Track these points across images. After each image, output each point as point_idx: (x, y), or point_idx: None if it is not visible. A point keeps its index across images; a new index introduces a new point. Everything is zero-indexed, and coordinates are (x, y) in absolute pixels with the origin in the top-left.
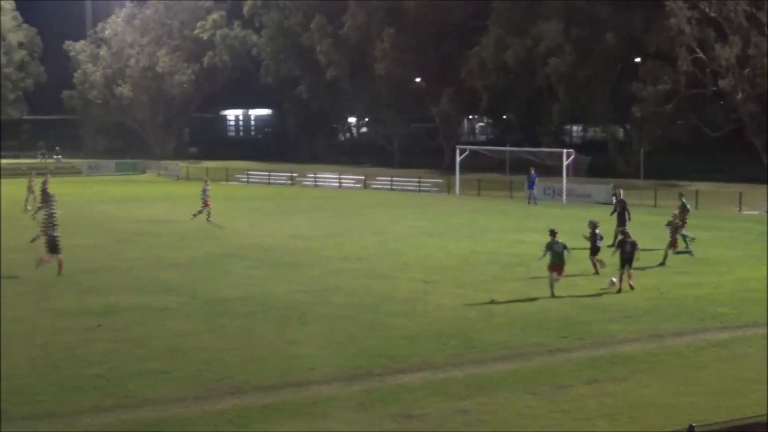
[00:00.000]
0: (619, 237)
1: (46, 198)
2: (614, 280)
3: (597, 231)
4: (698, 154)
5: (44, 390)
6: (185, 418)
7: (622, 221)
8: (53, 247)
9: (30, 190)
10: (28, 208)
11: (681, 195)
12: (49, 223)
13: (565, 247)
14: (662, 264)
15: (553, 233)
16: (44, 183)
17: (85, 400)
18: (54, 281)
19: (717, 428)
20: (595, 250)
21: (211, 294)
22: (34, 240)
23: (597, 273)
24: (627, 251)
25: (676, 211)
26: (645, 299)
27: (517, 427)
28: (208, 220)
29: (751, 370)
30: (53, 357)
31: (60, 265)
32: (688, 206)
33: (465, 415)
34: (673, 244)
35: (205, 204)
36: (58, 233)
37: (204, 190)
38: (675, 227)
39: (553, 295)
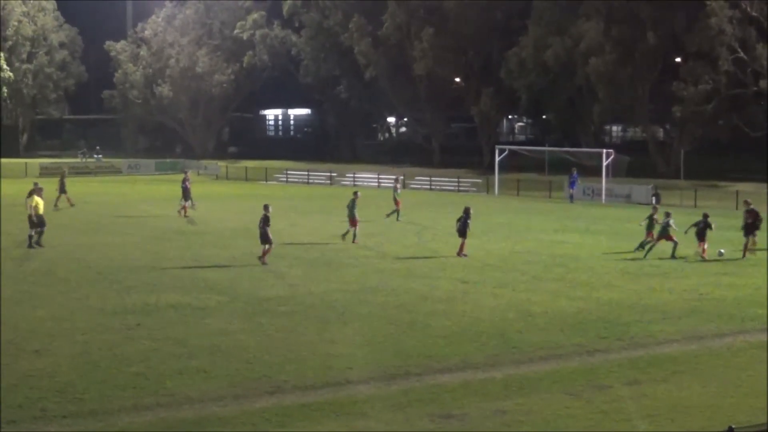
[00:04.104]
0: None
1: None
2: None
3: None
4: (739, 154)
5: (85, 388)
6: (224, 417)
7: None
8: None
9: (61, 189)
10: (59, 207)
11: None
12: None
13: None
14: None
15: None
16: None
17: (125, 398)
18: (95, 279)
19: (757, 430)
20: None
21: (250, 293)
22: None
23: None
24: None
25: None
26: (685, 300)
27: (556, 427)
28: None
29: None
30: (94, 355)
31: None
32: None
33: (503, 416)
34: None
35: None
36: None
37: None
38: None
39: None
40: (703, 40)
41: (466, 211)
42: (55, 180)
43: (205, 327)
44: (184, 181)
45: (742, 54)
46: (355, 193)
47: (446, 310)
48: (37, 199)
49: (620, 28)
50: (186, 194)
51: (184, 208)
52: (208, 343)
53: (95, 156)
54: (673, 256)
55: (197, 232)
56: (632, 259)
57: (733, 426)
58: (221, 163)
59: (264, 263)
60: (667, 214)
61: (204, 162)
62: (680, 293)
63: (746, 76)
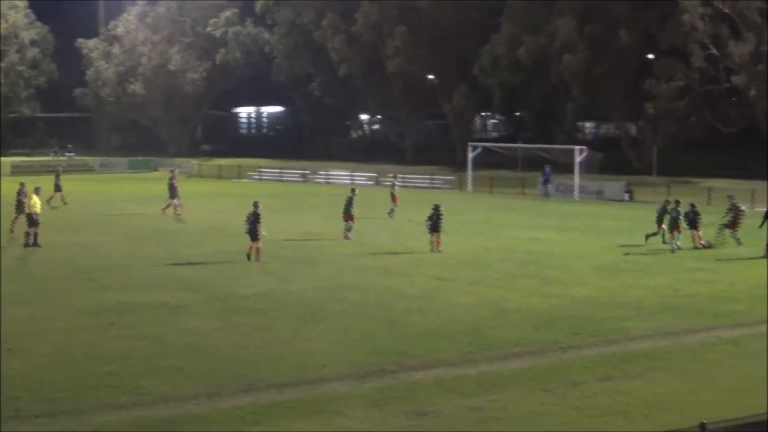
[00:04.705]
0: None
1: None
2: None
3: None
4: (711, 150)
5: (60, 387)
6: (199, 416)
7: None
8: None
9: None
10: (53, 205)
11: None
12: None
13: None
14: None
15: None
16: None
17: (99, 397)
18: (71, 278)
19: (729, 425)
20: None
21: (226, 291)
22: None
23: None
24: None
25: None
26: (658, 296)
27: (530, 424)
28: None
29: (763, 367)
30: (69, 354)
31: None
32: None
33: (478, 413)
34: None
35: None
36: None
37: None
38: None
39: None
40: (675, 38)
41: (436, 208)
42: (31, 179)
43: (181, 325)
44: (171, 179)
45: (714, 51)
46: (353, 190)
47: (421, 307)
48: (35, 199)
49: (594, 26)
50: (173, 192)
51: (170, 206)
52: (183, 341)
53: (67, 154)
54: (675, 247)
55: (172, 231)
56: (607, 256)
57: (706, 421)
58: (194, 161)
59: (258, 260)
60: (677, 203)
61: (177, 160)
62: (654, 289)
63: (719, 73)
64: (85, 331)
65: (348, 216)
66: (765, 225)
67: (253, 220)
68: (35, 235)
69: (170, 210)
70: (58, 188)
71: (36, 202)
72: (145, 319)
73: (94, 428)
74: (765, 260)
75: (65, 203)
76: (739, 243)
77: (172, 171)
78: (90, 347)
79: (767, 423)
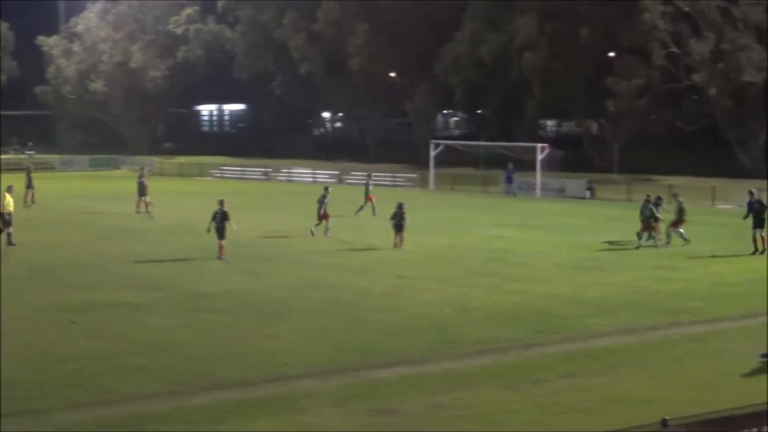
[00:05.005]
0: None
1: None
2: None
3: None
4: (672, 148)
5: (21, 386)
6: (162, 414)
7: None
8: None
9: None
10: (28, 203)
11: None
12: None
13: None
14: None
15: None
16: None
17: (61, 396)
18: (32, 277)
19: (691, 422)
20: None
21: (189, 289)
22: None
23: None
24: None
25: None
26: (621, 294)
27: (493, 421)
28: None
29: (725, 364)
30: (30, 353)
31: None
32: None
33: (441, 410)
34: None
35: None
36: None
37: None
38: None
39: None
40: (636, 36)
41: (400, 207)
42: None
43: (143, 324)
44: (140, 176)
45: (675, 49)
46: (326, 188)
47: (384, 305)
48: (9, 198)
49: (555, 24)
50: (143, 190)
51: (142, 204)
52: (146, 340)
53: (27, 152)
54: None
55: (135, 229)
56: (569, 253)
57: (667, 418)
58: (156, 159)
59: (221, 258)
60: (656, 199)
61: (138, 158)
62: (616, 287)
63: (679, 71)
64: (47, 329)
65: (323, 214)
66: (750, 219)
67: (221, 219)
68: (8, 234)
69: (143, 208)
70: (29, 186)
71: (9, 201)
72: (107, 317)
73: (56, 427)
74: (723, 257)
75: (34, 201)
76: (685, 240)
77: (141, 169)
78: (52, 346)
79: (728, 418)
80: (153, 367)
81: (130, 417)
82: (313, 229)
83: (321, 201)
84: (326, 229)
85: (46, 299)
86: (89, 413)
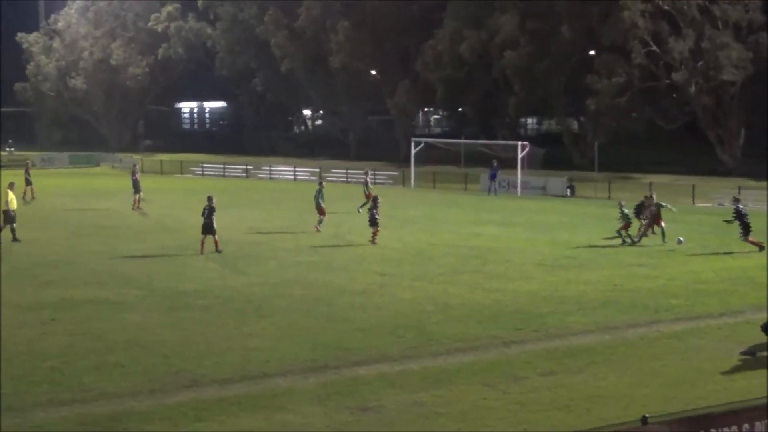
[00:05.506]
0: None
1: None
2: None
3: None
4: (652, 146)
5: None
6: (141, 412)
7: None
8: None
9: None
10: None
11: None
12: None
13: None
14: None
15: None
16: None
17: (40, 394)
18: (11, 275)
19: (670, 419)
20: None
21: (168, 287)
22: None
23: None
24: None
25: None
26: (600, 291)
27: (473, 419)
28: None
29: (704, 362)
30: (9, 351)
31: None
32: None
33: (421, 407)
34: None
35: None
36: None
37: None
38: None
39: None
40: (616, 34)
41: (374, 200)
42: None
43: (123, 321)
44: (133, 173)
45: (654, 47)
46: (321, 183)
47: (364, 302)
48: (12, 195)
49: (535, 22)
50: (137, 186)
51: (138, 201)
52: (126, 337)
53: (7, 149)
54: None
55: (115, 227)
56: (549, 251)
57: (648, 415)
58: (136, 156)
59: (219, 251)
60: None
61: (119, 155)
62: (595, 284)
63: (659, 69)
64: (25, 327)
65: (321, 210)
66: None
67: (209, 214)
68: (13, 230)
69: (136, 205)
70: (28, 182)
71: (12, 198)
72: (87, 315)
73: (35, 425)
74: (702, 255)
75: (34, 198)
76: (663, 238)
77: (134, 166)
78: (30, 343)
79: (708, 416)
80: (133, 365)
81: (110, 414)
82: (318, 225)
83: (318, 196)
84: (319, 222)
85: (26, 296)
86: (69, 411)
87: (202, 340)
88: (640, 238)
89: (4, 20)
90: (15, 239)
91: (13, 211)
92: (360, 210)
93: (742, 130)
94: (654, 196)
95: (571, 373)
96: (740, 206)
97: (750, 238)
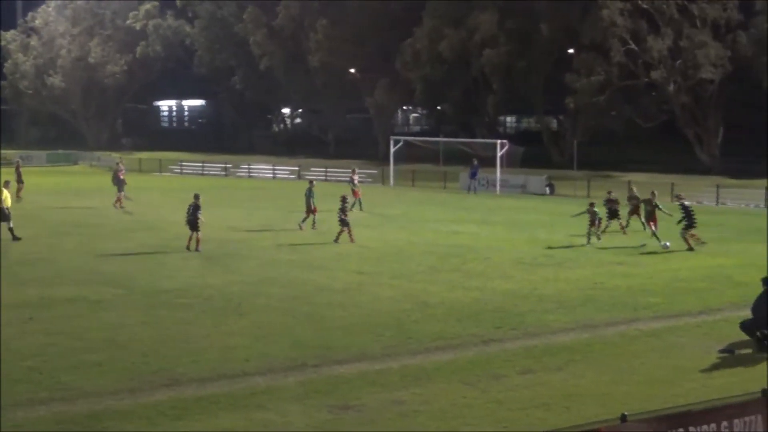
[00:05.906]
0: None
1: None
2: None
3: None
4: (631, 144)
5: None
6: (120, 411)
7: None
8: None
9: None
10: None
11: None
12: None
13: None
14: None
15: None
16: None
17: (19, 393)
18: None
19: (649, 417)
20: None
21: (147, 286)
22: None
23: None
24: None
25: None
26: (579, 290)
27: (452, 417)
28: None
29: (683, 360)
30: None
31: None
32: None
33: (401, 406)
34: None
35: None
36: None
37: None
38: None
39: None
40: (595, 33)
41: (343, 199)
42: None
43: (102, 320)
44: (117, 171)
45: (633, 46)
46: (311, 182)
47: (343, 301)
48: (6, 193)
49: (514, 20)
50: (121, 185)
51: (125, 199)
52: (104, 336)
53: None
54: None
55: (94, 225)
56: (528, 249)
57: (627, 413)
58: (115, 155)
59: (198, 250)
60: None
61: (97, 153)
62: (575, 283)
63: (638, 68)
64: (4, 325)
65: (312, 209)
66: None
67: (194, 211)
68: (10, 229)
69: (126, 203)
70: (20, 181)
71: (7, 196)
72: (65, 314)
73: (14, 424)
74: (681, 253)
75: (20, 197)
76: (623, 231)
77: (117, 164)
78: (9, 342)
79: (687, 414)
80: (112, 364)
81: (89, 413)
82: (313, 221)
83: (308, 195)
84: (314, 222)
85: (4, 295)
86: (48, 410)
87: (181, 339)
88: (603, 230)
89: None
90: (15, 238)
91: (8, 209)
92: (352, 208)
93: (720, 128)
94: (654, 196)
95: (550, 372)
96: (685, 202)
97: (688, 233)
